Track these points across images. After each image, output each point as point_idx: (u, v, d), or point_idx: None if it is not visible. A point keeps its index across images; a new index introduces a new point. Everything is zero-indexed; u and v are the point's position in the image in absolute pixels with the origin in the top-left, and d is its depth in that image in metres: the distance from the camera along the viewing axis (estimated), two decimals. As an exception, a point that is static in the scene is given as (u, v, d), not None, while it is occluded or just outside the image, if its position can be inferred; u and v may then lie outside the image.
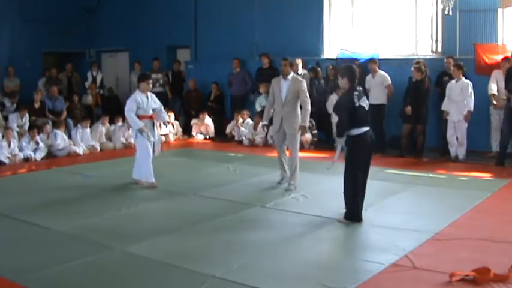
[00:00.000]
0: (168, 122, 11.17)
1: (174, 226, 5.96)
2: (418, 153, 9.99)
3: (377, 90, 10.59)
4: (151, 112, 7.84)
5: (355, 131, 5.84)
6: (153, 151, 7.81)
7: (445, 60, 10.18)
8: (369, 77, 10.75)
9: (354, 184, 5.89)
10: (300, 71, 11.75)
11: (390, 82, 10.56)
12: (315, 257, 4.94)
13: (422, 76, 9.76)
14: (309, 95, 7.84)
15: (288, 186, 7.58)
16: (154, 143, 7.83)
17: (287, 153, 7.92)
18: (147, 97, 7.80)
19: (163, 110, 8.22)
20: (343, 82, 5.98)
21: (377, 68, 10.65)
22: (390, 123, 10.95)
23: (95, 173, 8.93)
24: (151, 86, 8.00)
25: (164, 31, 14.52)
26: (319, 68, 11.67)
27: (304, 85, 7.67)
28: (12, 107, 12.06)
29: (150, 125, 7.79)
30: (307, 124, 7.78)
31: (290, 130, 7.52)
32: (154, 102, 7.94)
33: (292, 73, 7.81)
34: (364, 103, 5.93)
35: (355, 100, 5.80)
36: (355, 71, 6.04)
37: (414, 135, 10.22)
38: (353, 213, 5.90)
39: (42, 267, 4.69)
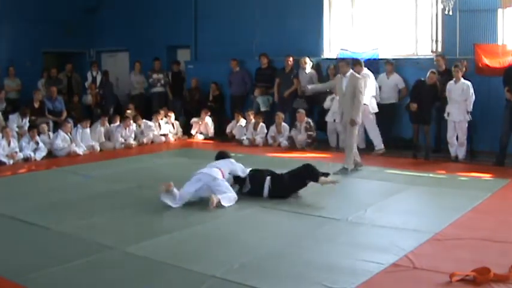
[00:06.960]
0: None
1: (174, 226, 5.96)
2: (427, 154, 9.92)
3: (389, 90, 10.82)
4: None
5: None
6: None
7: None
8: (383, 76, 10.85)
9: None
10: (308, 70, 11.76)
11: (404, 85, 10.75)
12: (314, 257, 4.93)
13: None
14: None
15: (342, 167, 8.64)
16: None
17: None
18: None
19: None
20: None
21: (393, 70, 10.78)
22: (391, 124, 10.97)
23: (95, 173, 8.93)
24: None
25: (164, 31, 14.51)
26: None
27: (360, 82, 8.63)
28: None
29: None
30: (357, 118, 8.60)
31: (347, 118, 8.63)
32: None
33: (350, 71, 8.68)
34: None
35: None
36: None
37: (420, 136, 10.17)
38: None
39: (42, 267, 4.68)
